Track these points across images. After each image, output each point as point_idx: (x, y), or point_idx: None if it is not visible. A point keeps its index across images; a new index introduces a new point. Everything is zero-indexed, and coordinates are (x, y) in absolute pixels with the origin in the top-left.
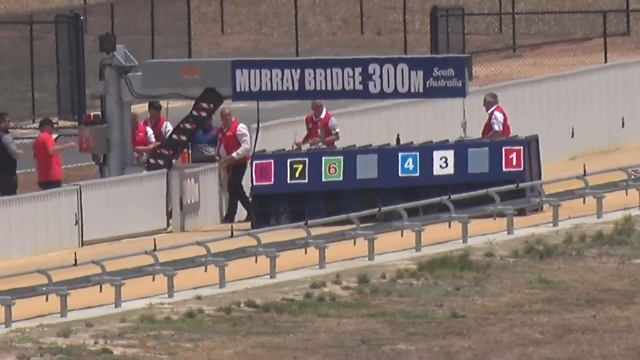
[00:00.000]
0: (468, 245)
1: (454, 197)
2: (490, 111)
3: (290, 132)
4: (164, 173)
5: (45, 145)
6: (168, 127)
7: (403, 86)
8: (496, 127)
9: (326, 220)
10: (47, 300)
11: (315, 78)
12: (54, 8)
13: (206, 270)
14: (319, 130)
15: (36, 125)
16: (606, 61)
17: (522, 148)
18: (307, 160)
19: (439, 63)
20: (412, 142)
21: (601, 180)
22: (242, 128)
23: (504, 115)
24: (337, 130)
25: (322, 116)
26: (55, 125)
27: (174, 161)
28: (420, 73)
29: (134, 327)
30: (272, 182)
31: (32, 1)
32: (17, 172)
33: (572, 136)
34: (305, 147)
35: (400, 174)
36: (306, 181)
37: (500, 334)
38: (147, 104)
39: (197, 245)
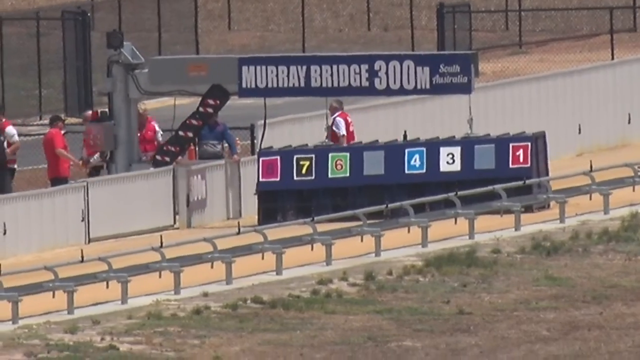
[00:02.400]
0: (474, 241)
1: (460, 193)
2: (333, 117)
3: (297, 128)
4: (170, 169)
5: (53, 143)
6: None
7: (409, 82)
8: (340, 131)
9: (332, 216)
10: (53, 296)
11: (321, 74)
12: (60, 4)
13: (212, 267)
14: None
15: (43, 121)
16: (612, 57)
17: (528, 144)
18: (313, 156)
19: (445, 59)
20: (418, 138)
21: (607, 176)
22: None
23: (346, 121)
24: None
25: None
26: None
27: (179, 157)
28: (427, 69)
29: (140, 323)
30: (278, 179)
31: None
32: (26, 168)
33: (579, 132)
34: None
35: (406, 170)
36: (312, 177)
37: (506, 330)
38: (154, 101)
39: (203, 242)
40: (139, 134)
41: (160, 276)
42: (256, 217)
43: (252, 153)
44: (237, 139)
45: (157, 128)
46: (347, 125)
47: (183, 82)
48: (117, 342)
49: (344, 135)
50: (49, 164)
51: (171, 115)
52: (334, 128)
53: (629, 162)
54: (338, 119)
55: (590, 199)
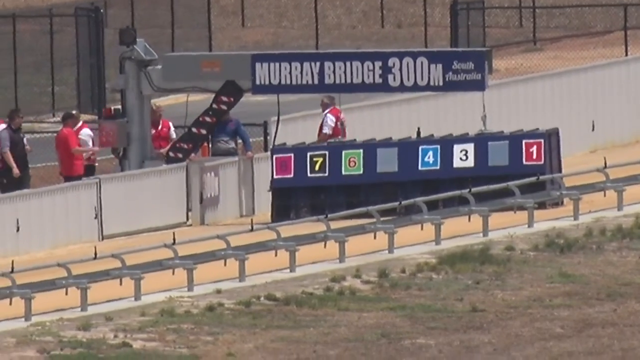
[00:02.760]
0: (488, 238)
1: (473, 190)
2: (324, 113)
3: (310, 125)
4: (183, 166)
5: (67, 142)
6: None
7: (422, 79)
8: (325, 130)
9: (346, 213)
10: (66, 293)
11: (334, 71)
12: (73, 1)
13: (225, 264)
14: None
15: (56, 118)
16: (627, 54)
17: (542, 141)
18: (327, 153)
19: (458, 56)
20: (432, 135)
21: (621, 173)
22: (83, 133)
23: (337, 117)
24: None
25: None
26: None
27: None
28: (440, 66)
29: (153, 320)
30: (291, 175)
31: None
32: (39, 165)
33: (593, 129)
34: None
35: (420, 167)
36: (326, 174)
37: (520, 328)
38: (167, 98)
39: (216, 239)
40: (153, 132)
41: (173, 273)
42: (269, 214)
43: (266, 150)
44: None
45: (171, 125)
46: (339, 121)
47: (196, 79)
48: (130, 339)
49: (326, 133)
50: (62, 162)
51: (184, 112)
52: (323, 124)
53: None
54: (329, 115)
55: (604, 195)
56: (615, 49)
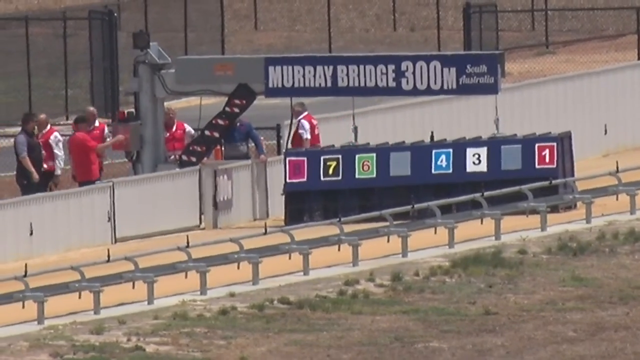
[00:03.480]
0: (501, 242)
1: (486, 193)
2: (297, 119)
3: (323, 128)
4: (197, 170)
5: (86, 146)
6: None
7: (435, 83)
8: (305, 135)
9: (359, 217)
10: (79, 297)
11: (347, 75)
12: (87, 4)
13: (239, 267)
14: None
15: (69, 121)
16: (639, 58)
17: (554, 145)
18: (340, 157)
19: (472, 60)
20: (445, 139)
21: (634, 176)
22: (55, 136)
23: (311, 124)
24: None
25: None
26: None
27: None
28: (453, 70)
29: (166, 324)
30: (305, 179)
31: None
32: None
33: (605, 133)
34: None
35: (433, 171)
36: (339, 178)
37: (533, 331)
38: (179, 101)
39: (230, 242)
40: (167, 134)
41: (186, 276)
42: (283, 217)
43: (279, 153)
44: (262, 138)
45: (187, 128)
46: (312, 128)
47: (209, 82)
48: (143, 343)
49: (307, 138)
50: (78, 167)
51: (197, 116)
52: (299, 131)
53: None
54: (303, 121)
55: (617, 199)
56: (627, 52)
